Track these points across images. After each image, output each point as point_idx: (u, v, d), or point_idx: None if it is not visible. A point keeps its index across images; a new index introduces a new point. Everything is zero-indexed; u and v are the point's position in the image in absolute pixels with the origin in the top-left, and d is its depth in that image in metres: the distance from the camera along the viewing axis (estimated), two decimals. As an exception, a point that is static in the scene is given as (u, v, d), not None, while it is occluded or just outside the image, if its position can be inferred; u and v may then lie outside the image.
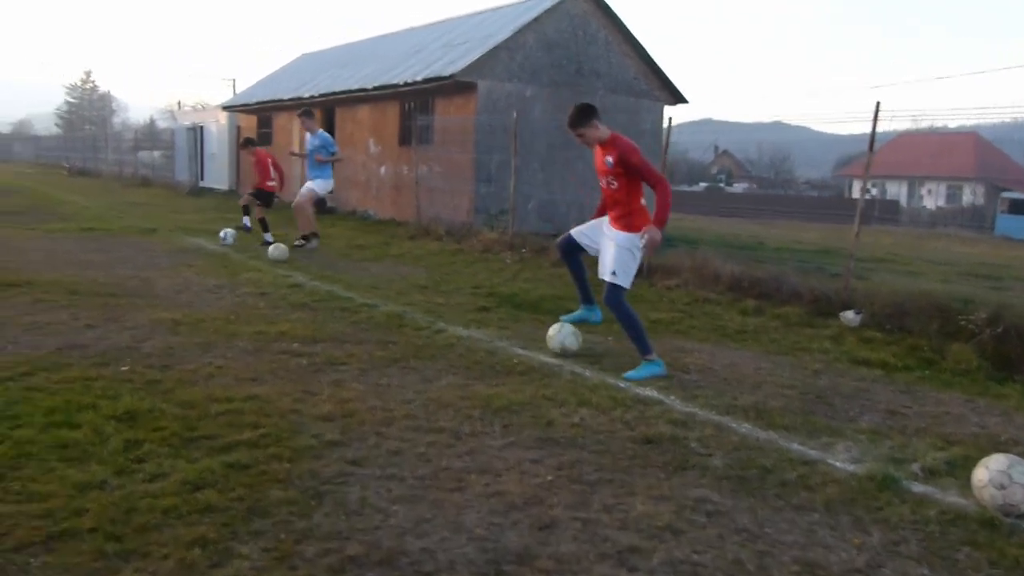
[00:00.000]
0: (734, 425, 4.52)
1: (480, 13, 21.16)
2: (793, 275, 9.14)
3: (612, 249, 5.63)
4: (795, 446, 4.23)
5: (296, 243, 10.47)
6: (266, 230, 12.14)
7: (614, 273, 5.58)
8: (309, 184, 11.02)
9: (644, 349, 5.59)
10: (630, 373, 5.47)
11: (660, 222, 5.48)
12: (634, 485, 3.61)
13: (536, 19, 16.99)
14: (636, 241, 5.57)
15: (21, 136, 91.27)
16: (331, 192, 11.49)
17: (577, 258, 6.07)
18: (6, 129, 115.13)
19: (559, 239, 6.18)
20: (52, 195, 23.02)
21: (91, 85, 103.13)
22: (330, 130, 20.15)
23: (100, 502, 3.12)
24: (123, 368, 4.99)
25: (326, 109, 20.94)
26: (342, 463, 3.68)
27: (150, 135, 58.05)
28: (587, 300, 6.26)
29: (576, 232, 6.00)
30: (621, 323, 5.70)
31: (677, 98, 19.26)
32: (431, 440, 4.03)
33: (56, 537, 2.87)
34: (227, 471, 3.48)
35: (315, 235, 11.44)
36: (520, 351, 6.02)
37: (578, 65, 17.40)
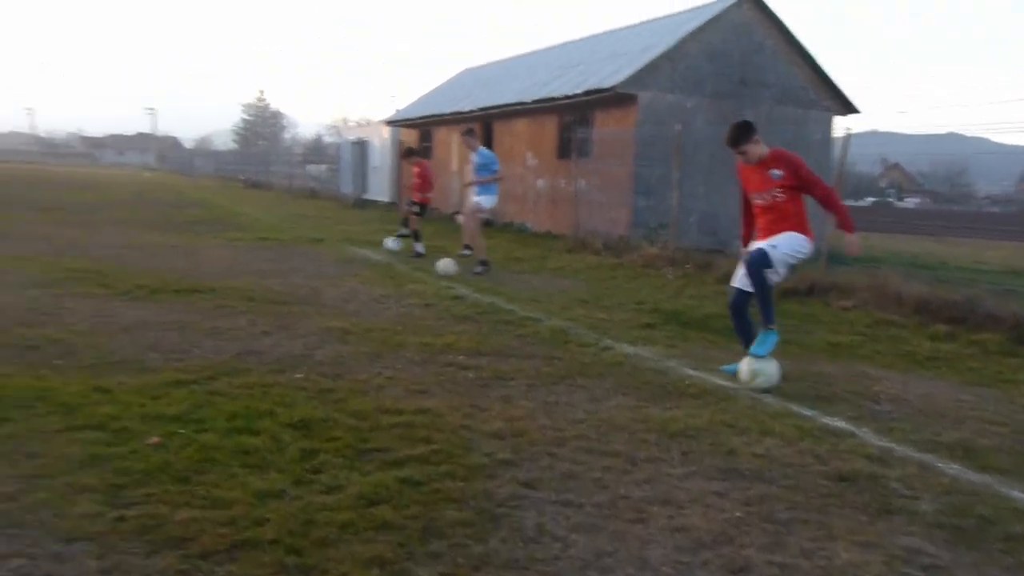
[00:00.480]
0: (940, 465, 4.07)
1: (640, 24, 20.90)
2: (988, 298, 8.35)
3: (781, 236, 5.54)
4: (1016, 494, 3.74)
5: (476, 270, 10.51)
6: (418, 239, 12.47)
7: (775, 246, 5.48)
8: (476, 200, 11.04)
9: (769, 319, 5.49)
10: (755, 348, 5.43)
11: (851, 226, 5.53)
12: (833, 527, 3.28)
13: (699, 29, 16.57)
14: (806, 244, 5.56)
15: (203, 151, 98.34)
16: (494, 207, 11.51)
17: (748, 317, 5.82)
18: (189, 145, 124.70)
19: (731, 299, 5.89)
20: (230, 206, 24.50)
21: (264, 103, 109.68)
22: (488, 144, 20.43)
23: (280, 512, 3.11)
24: (297, 376, 5.08)
25: (485, 123, 21.23)
26: (515, 484, 3.54)
27: (317, 150, 61.13)
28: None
29: (740, 282, 5.73)
30: (755, 287, 5.52)
31: (848, 108, 18.28)
32: (606, 464, 3.83)
33: (239, 546, 2.86)
34: (401, 487, 3.42)
35: (470, 246, 11.48)
36: (691, 372, 5.73)
37: (742, 75, 16.82)
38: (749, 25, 17.01)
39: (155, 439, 3.79)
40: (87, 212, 18.97)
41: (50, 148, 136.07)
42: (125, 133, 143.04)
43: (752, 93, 16.73)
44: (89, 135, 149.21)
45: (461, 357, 5.79)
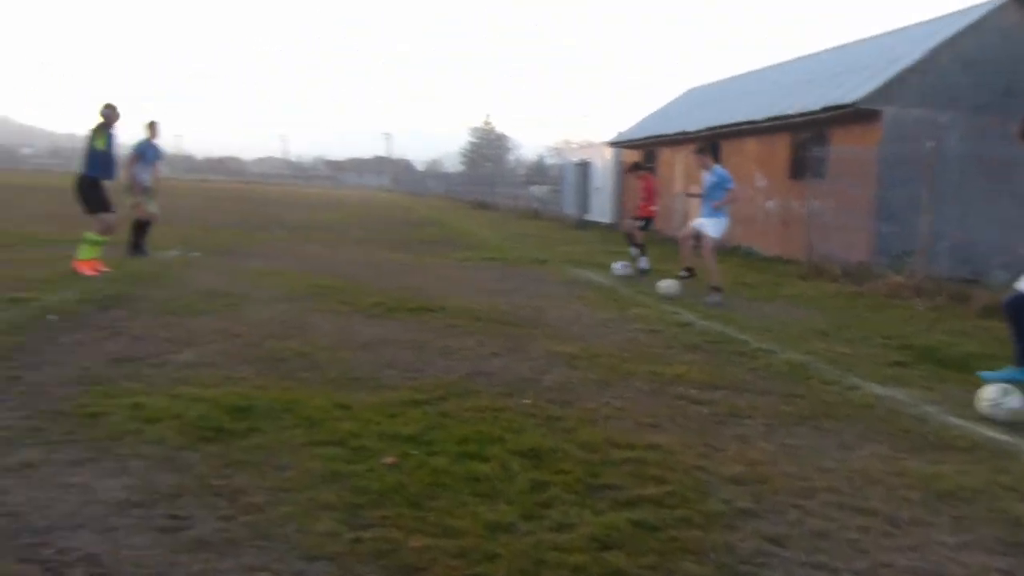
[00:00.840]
0: None
1: (883, 35, 19.51)
2: None
3: None
4: None
5: (710, 300, 9.91)
6: (643, 254, 12.27)
7: None
8: (704, 224, 10.54)
9: None
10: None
11: None
12: None
13: (954, 37, 15.17)
14: None
15: (433, 173, 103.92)
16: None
17: None
18: (421, 167, 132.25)
19: (1005, 299, 5.27)
20: (458, 226, 25.50)
21: (490, 127, 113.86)
22: (715, 164, 19.84)
23: (510, 548, 3.01)
24: (525, 401, 5.02)
25: (711, 143, 20.64)
26: (759, 539, 3.23)
27: (539, 171, 62.43)
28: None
29: None
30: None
31: None
32: (862, 524, 3.42)
33: (470, 581, 2.79)
34: (634, 530, 3.21)
35: (691, 270, 11.03)
36: (956, 420, 5.09)
37: (1007, 85, 15.17)
38: (1014, 29, 15.34)
39: (391, 459, 3.84)
40: (330, 231, 20.43)
41: (299, 171, 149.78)
42: (363, 157, 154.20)
43: (1019, 104, 15.02)
44: (332, 159, 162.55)
45: (693, 390, 5.50)
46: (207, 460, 3.74)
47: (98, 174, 9.76)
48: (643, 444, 4.27)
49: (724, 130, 19.60)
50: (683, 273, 10.97)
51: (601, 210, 28.39)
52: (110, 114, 10.09)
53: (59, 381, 4.91)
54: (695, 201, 12.52)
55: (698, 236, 10.65)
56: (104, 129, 9.91)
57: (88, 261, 9.52)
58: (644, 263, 12.32)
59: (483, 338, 6.94)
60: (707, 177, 10.64)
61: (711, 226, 10.36)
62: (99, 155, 9.78)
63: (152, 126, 12.30)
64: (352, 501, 3.36)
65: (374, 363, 5.83)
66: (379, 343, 6.53)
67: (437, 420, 4.50)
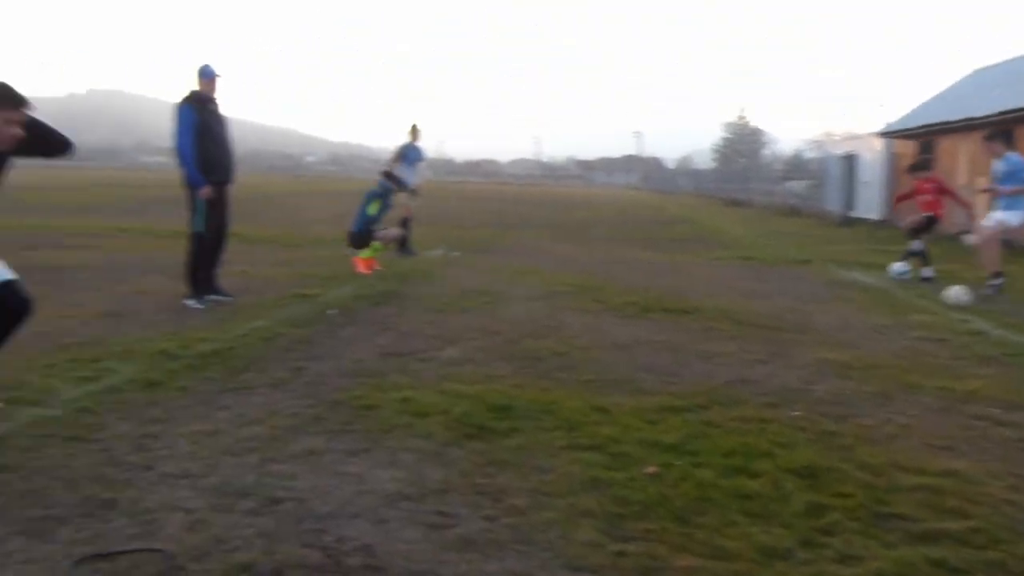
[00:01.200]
0: None
1: None
2: None
3: None
4: None
5: (987, 288, 8.70)
6: (919, 251, 11.13)
7: None
8: (999, 216, 9.40)
9: None
10: None
11: None
12: None
13: None
14: None
15: (683, 171, 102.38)
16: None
17: None
18: (671, 165, 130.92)
19: None
20: (709, 224, 24.82)
21: (744, 121, 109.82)
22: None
23: (788, 578, 2.74)
24: (794, 413, 4.65)
25: (1003, 131, 18.44)
26: (1097, 596, 2.71)
27: (797, 165, 59.45)
28: None
29: None
30: None
31: None
32: None
33: (744, 611, 2.56)
34: (934, 571, 2.82)
35: (999, 274, 9.77)
36: None
37: None
38: None
39: (652, 468, 3.68)
40: (580, 229, 20.65)
41: (550, 171, 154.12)
42: (612, 156, 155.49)
43: None
44: (582, 159, 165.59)
45: (993, 409, 4.83)
46: (471, 457, 3.79)
47: (364, 231, 10.50)
48: (936, 470, 3.78)
49: (1019, 115, 17.41)
50: (993, 281, 9.71)
51: (868, 206, 26.33)
52: (388, 185, 10.88)
53: (337, 372, 5.25)
54: (983, 196, 11.14)
55: (1001, 232, 9.48)
56: (380, 199, 10.68)
57: (367, 260, 10.24)
58: (916, 246, 11.17)
59: (743, 342, 6.59)
60: (998, 166, 9.43)
61: (1009, 217, 9.18)
62: (369, 219, 10.55)
63: (414, 130, 13.16)
64: (614, 511, 3.24)
65: (630, 365, 5.70)
66: (634, 344, 6.40)
67: (700, 429, 4.27)
